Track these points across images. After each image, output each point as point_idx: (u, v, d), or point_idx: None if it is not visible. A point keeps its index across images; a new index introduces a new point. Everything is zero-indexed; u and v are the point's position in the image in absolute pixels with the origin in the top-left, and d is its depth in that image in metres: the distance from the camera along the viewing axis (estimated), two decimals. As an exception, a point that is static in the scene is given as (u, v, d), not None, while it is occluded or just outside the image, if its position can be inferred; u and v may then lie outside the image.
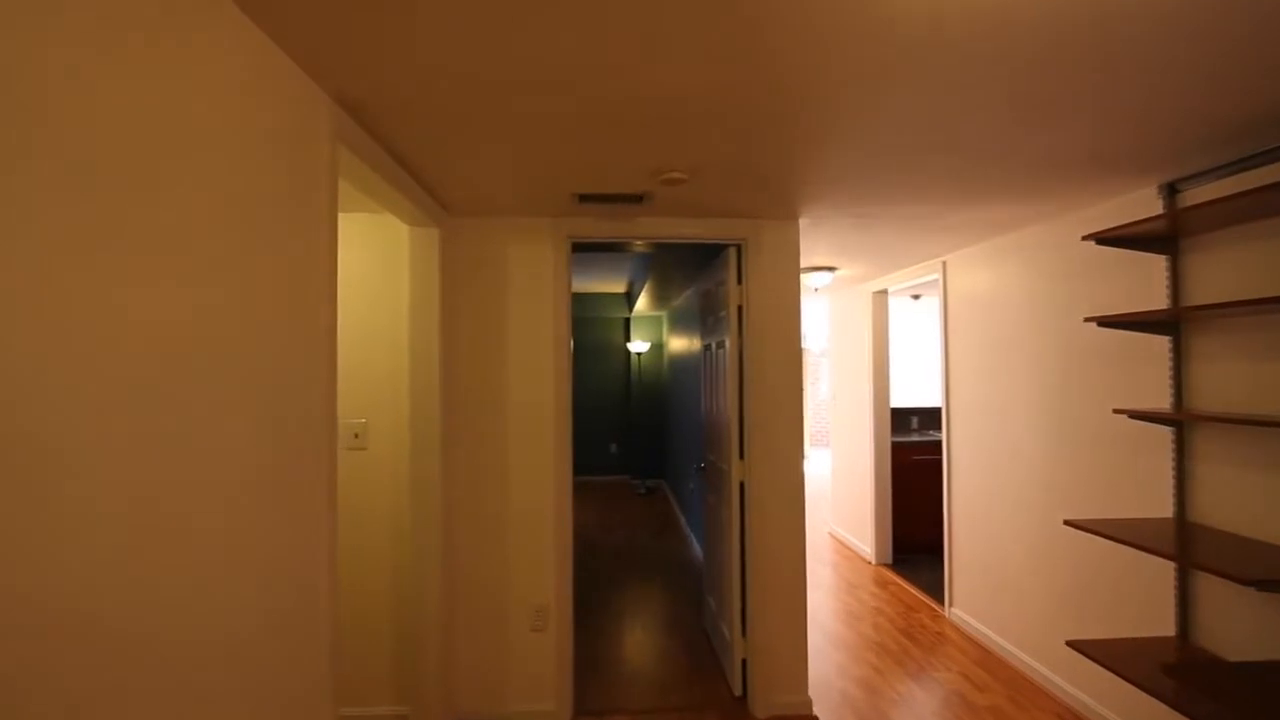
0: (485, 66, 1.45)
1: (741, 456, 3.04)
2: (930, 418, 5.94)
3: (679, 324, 6.75)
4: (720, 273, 3.27)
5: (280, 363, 1.42)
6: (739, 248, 3.06)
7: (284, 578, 1.42)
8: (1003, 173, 2.26)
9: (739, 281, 3.06)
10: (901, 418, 5.85)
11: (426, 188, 2.55)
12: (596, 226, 2.93)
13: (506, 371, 2.93)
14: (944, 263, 4.01)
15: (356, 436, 2.84)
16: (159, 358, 1.00)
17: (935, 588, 4.37)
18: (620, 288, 7.99)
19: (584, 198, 2.60)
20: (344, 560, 2.82)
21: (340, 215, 2.86)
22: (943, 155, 2.07)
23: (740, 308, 3.06)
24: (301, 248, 1.52)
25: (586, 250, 3.78)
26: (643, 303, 7.22)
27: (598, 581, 4.69)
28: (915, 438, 5.39)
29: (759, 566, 2.93)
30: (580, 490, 8.22)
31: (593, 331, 8.81)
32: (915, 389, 6.91)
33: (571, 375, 3.01)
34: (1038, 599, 3.10)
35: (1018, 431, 3.26)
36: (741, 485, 3.04)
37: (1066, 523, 2.30)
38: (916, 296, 6.07)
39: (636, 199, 2.61)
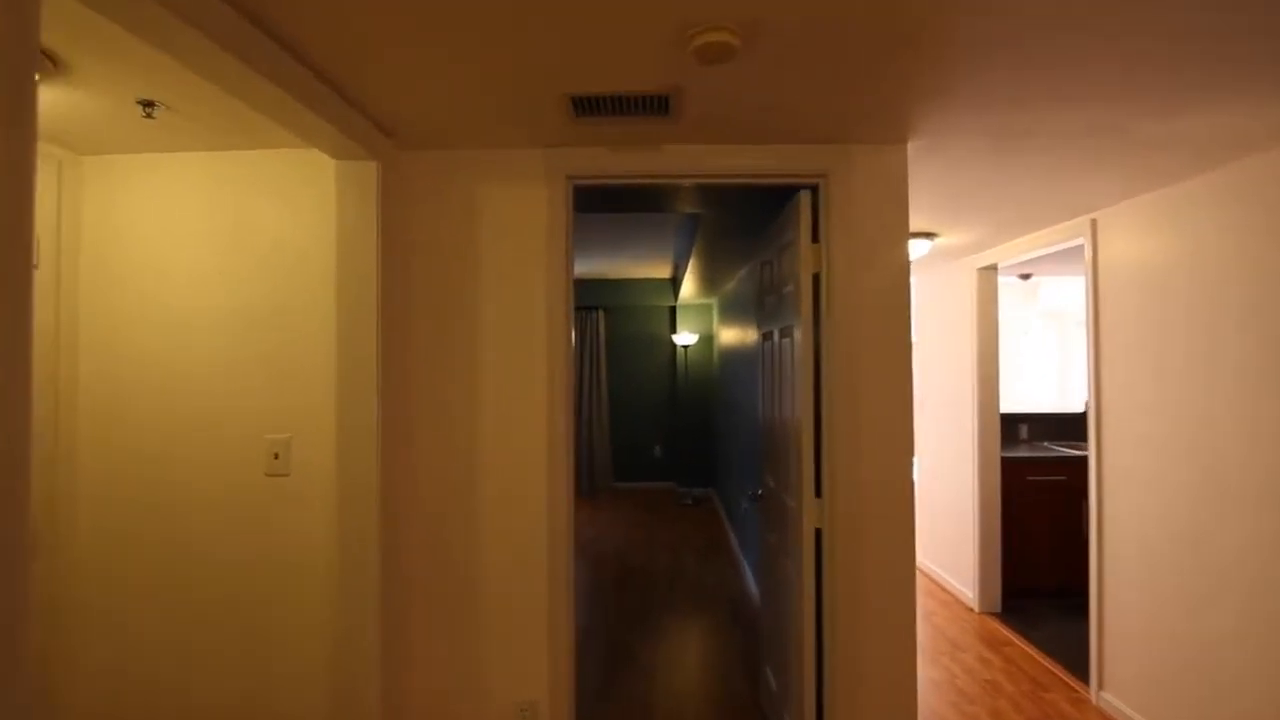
0: None
1: (818, 493, 2.10)
2: (1048, 426, 4.79)
3: (731, 312, 5.80)
4: (785, 232, 2.33)
5: None
6: (815, 189, 2.11)
7: None
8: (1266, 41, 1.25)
9: (814, 239, 2.12)
10: (1007, 426, 4.74)
11: (354, 101, 1.72)
12: (607, 160, 2.03)
13: (478, 375, 2.08)
14: (1093, 221, 2.94)
15: (276, 458, 2.05)
16: None
17: (1070, 654, 3.31)
18: (664, 272, 7.10)
19: (583, 105, 1.71)
20: (252, 656, 2.03)
21: (245, 151, 2.07)
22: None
23: (817, 277, 2.11)
24: None
25: (602, 208, 2.90)
26: (689, 288, 6.30)
27: (628, 621, 3.83)
28: (1026, 452, 4.29)
29: (845, 653, 2.00)
30: (619, 499, 7.38)
31: (633, 322, 7.93)
32: (1015, 390, 5.77)
33: (574, 382, 2.14)
34: (1260, 695, 2.04)
35: (1229, 449, 2.21)
36: (817, 533, 2.10)
37: None
38: (1026, 276, 4.93)
39: (660, 105, 1.70)
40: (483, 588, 2.06)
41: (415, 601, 2.07)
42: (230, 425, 2.05)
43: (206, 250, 2.07)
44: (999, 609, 3.98)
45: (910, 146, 2.02)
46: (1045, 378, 7.01)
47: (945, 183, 2.45)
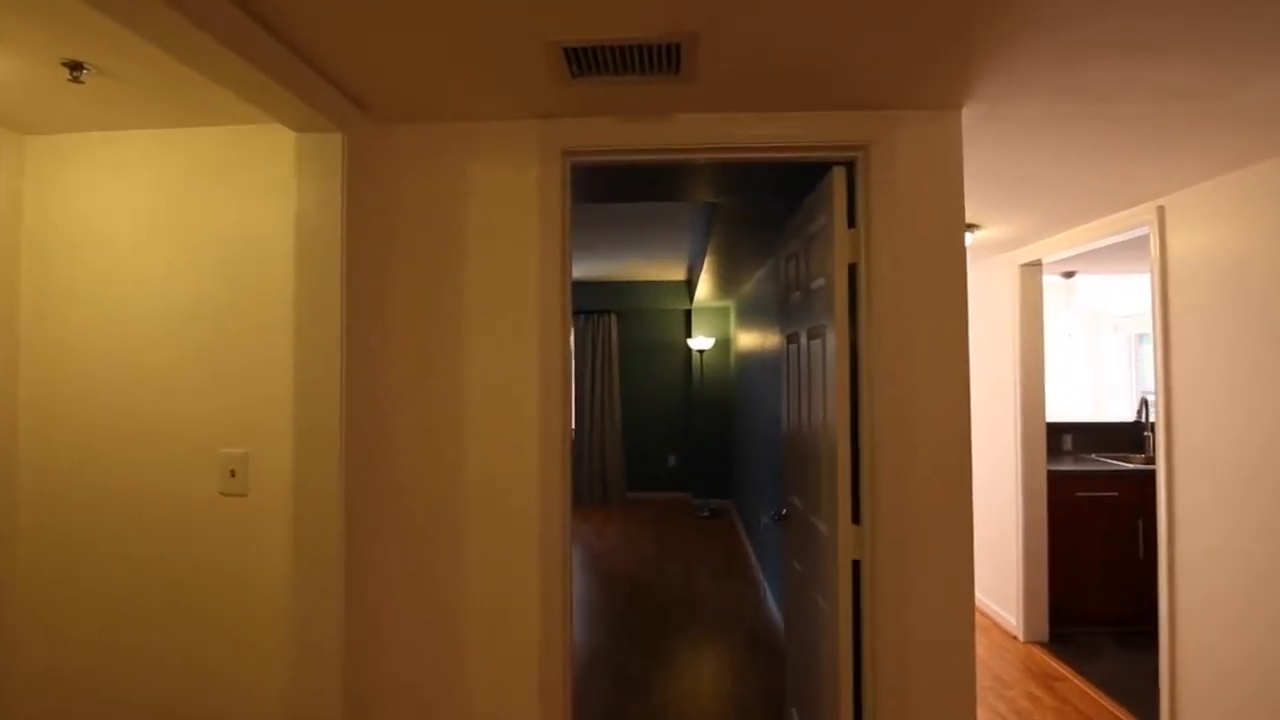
0: None
1: (856, 519, 1.80)
2: (1094, 437, 4.43)
3: (750, 314, 5.50)
4: (814, 218, 2.04)
5: None
6: (850, 165, 1.82)
7: None
8: None
9: (851, 224, 1.83)
10: (1050, 436, 4.38)
11: (310, 59, 1.47)
12: (610, 132, 1.76)
13: (462, 382, 1.81)
14: (1159, 208, 2.61)
15: (233, 475, 1.79)
16: None
17: (1134, 693, 2.96)
18: (679, 274, 6.82)
19: (578, 61, 1.44)
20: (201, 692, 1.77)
21: (202, 129, 1.82)
22: None
23: (854, 269, 1.82)
24: None
25: (609, 197, 2.63)
26: (705, 290, 6.01)
27: (638, 648, 3.53)
28: (1072, 465, 3.94)
29: (889, 704, 1.69)
30: (632, 510, 7.09)
31: (646, 326, 7.65)
32: (1049, 398, 5.41)
33: (572, 389, 1.86)
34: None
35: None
36: (856, 565, 1.80)
37: None
38: (1069, 274, 4.59)
39: (669, 60, 1.43)
40: (465, 620, 1.78)
41: (386, 630, 1.80)
42: (181, 434, 1.80)
43: (161, 238, 1.82)
44: (1046, 638, 3.62)
45: (964, 114, 1.73)
46: (1080, 385, 6.62)
47: (997, 163, 2.15)
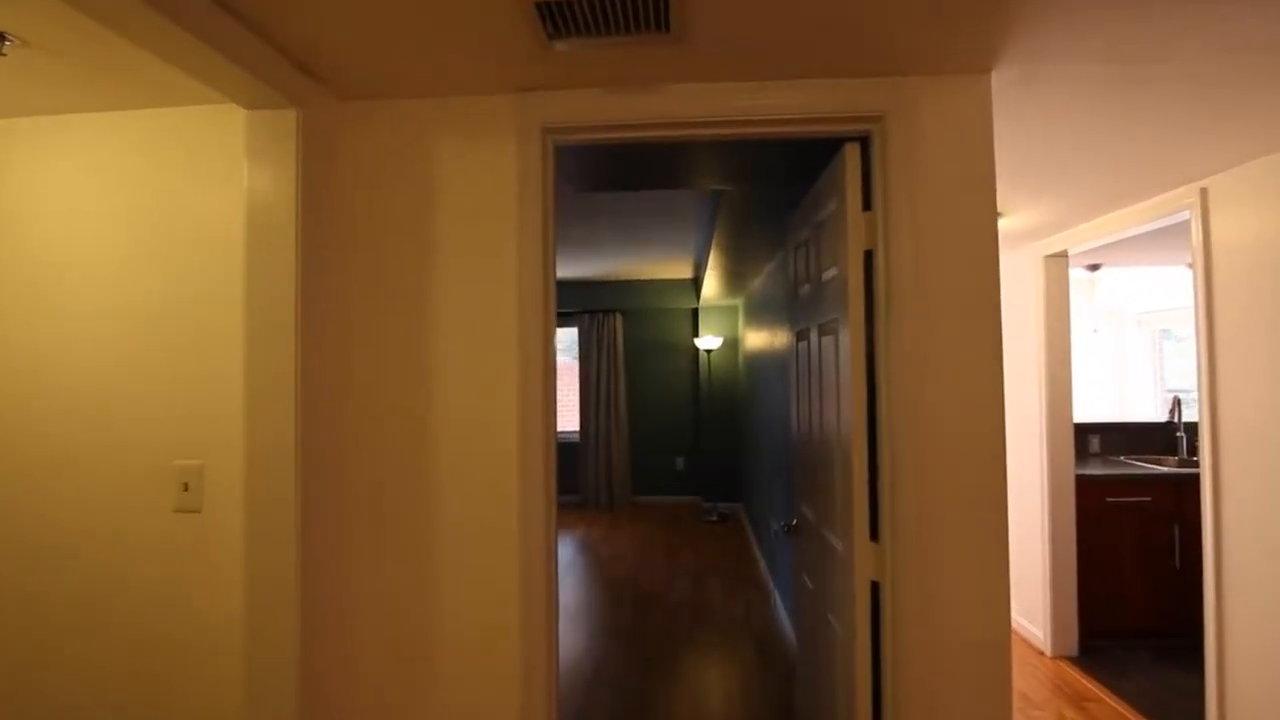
0: None
1: (875, 536, 1.61)
2: (1122, 438, 4.19)
3: (759, 312, 5.31)
4: (825, 202, 1.85)
5: None
6: (865, 141, 1.63)
7: None
8: None
9: (866, 207, 1.64)
10: (1076, 438, 4.16)
11: (265, 34, 1.31)
12: (594, 106, 1.58)
13: (433, 387, 1.63)
14: (1202, 191, 2.40)
15: (186, 489, 1.63)
16: None
17: (1171, 713, 2.75)
18: (685, 272, 6.64)
19: (554, 17, 1.26)
20: None
21: (149, 110, 1.66)
22: None
23: (870, 256, 1.63)
24: None
25: (606, 185, 2.46)
26: (712, 288, 5.82)
27: (643, 662, 3.35)
28: (1100, 468, 3.71)
29: (913, 751, 1.50)
30: (638, 514, 6.91)
31: (652, 326, 7.46)
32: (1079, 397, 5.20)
33: (557, 393, 1.69)
34: None
35: None
36: (875, 586, 1.61)
37: None
38: (1094, 267, 4.35)
39: (657, 15, 1.25)
40: (437, 642, 1.61)
41: (349, 652, 1.63)
42: (130, 444, 1.64)
43: (107, 231, 1.66)
44: (1075, 653, 3.40)
45: (996, 80, 1.53)
46: (1102, 383, 6.37)
47: (1024, 140, 1.95)
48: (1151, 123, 1.82)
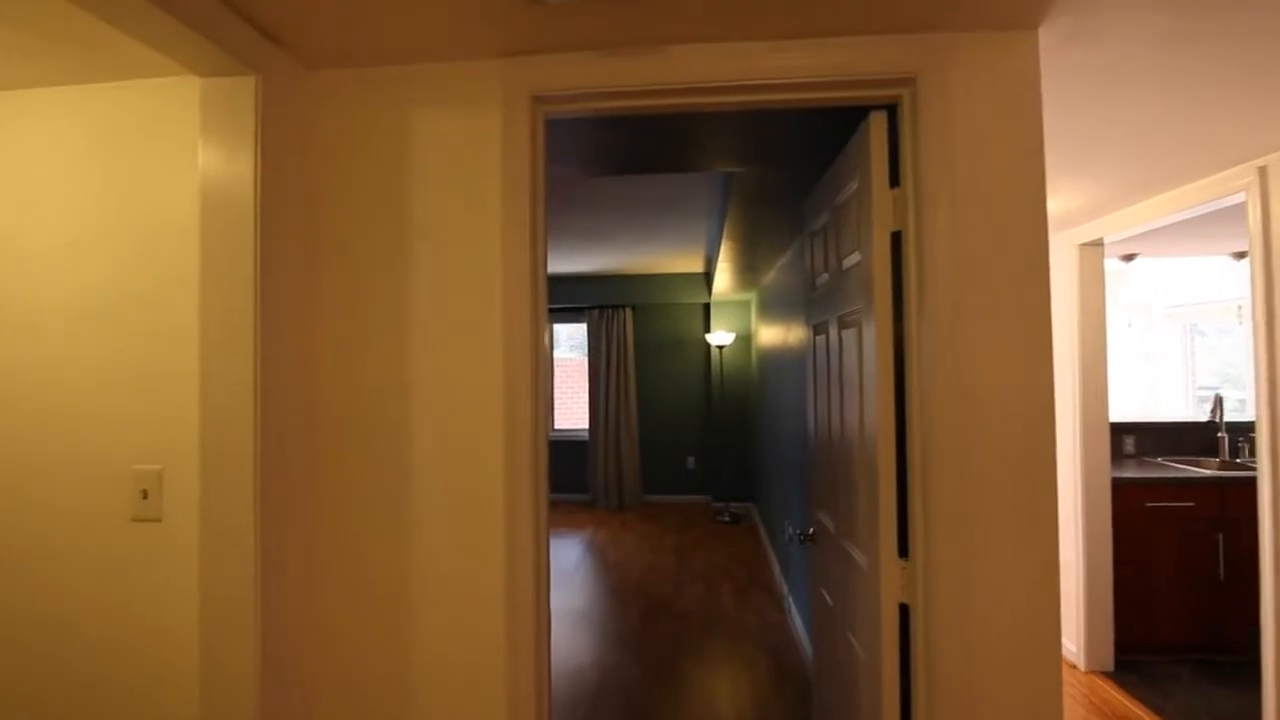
0: None
1: (904, 552, 1.43)
2: (1160, 439, 3.96)
3: (773, 306, 5.12)
4: (846, 179, 1.67)
5: None
6: (893, 109, 1.45)
7: None
8: None
9: (894, 184, 1.46)
10: (1111, 438, 3.93)
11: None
12: (587, 70, 1.41)
13: (412, 386, 1.48)
14: (1261, 170, 2.19)
15: (145, 496, 1.49)
16: None
17: (1222, 741, 2.55)
18: (696, 266, 6.46)
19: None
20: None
21: (106, 85, 1.52)
22: None
23: (898, 238, 1.45)
24: None
25: (610, 168, 2.29)
26: (724, 281, 5.64)
27: (652, 673, 3.19)
28: (1137, 471, 3.49)
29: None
30: (648, 514, 6.75)
31: (663, 321, 7.29)
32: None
33: (552, 389, 1.52)
34: None
35: None
36: (904, 609, 1.44)
37: None
38: (1129, 257, 4.12)
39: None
40: (419, 690, 1.46)
41: (317, 666, 1.48)
42: (84, 449, 1.50)
43: (59, 217, 1.53)
44: (1111, 667, 3.20)
45: (1044, 37, 1.35)
46: (1131, 380, 6.12)
47: (1066, 110, 1.76)
48: (1210, 87, 1.62)
